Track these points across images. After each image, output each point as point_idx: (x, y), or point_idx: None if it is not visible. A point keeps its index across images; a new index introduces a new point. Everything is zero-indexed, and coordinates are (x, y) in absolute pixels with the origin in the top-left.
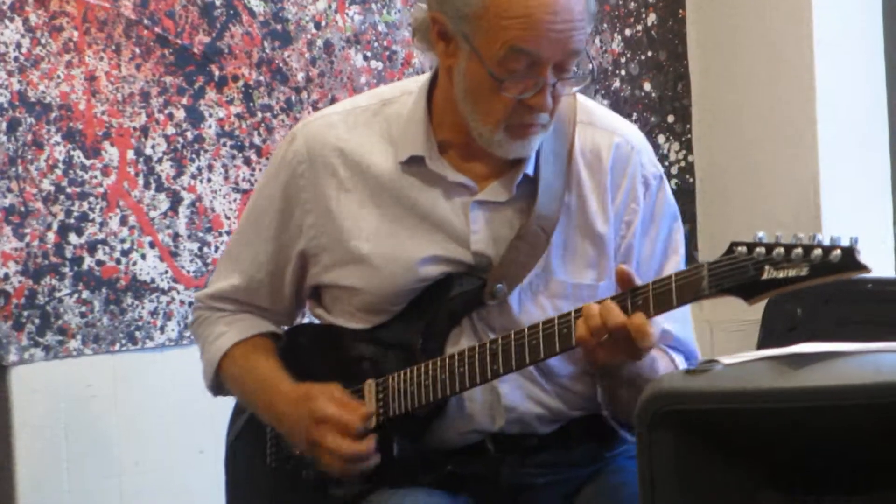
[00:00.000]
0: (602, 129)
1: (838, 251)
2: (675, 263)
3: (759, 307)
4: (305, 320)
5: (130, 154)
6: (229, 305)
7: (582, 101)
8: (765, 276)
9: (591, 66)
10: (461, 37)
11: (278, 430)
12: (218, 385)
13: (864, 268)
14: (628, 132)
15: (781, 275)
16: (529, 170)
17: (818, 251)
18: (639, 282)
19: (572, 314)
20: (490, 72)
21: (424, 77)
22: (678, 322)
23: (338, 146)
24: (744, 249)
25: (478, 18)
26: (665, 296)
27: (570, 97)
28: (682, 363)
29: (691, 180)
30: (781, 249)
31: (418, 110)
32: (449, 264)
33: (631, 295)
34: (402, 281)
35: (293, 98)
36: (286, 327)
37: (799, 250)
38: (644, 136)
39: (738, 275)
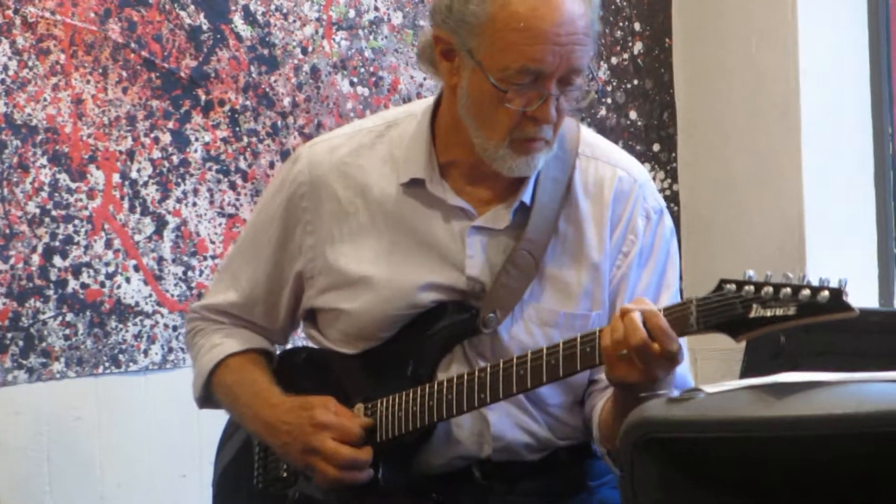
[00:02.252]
0: (605, 162)
1: (826, 292)
2: (668, 298)
3: None
4: (299, 340)
5: (116, 177)
6: (225, 318)
7: (585, 134)
8: (752, 315)
9: (595, 83)
10: (465, 52)
11: (268, 441)
12: (206, 396)
13: (850, 310)
14: (632, 166)
15: (769, 313)
16: (527, 198)
17: (806, 291)
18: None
19: (560, 345)
20: (494, 84)
21: (429, 100)
22: None
23: (340, 169)
24: (733, 287)
25: (482, 31)
26: None
27: (574, 129)
28: None
29: (676, 209)
30: (770, 288)
31: (421, 133)
32: (443, 291)
33: None
34: (397, 306)
35: (279, 123)
36: (279, 347)
37: (787, 290)
38: (646, 170)
39: (726, 312)
